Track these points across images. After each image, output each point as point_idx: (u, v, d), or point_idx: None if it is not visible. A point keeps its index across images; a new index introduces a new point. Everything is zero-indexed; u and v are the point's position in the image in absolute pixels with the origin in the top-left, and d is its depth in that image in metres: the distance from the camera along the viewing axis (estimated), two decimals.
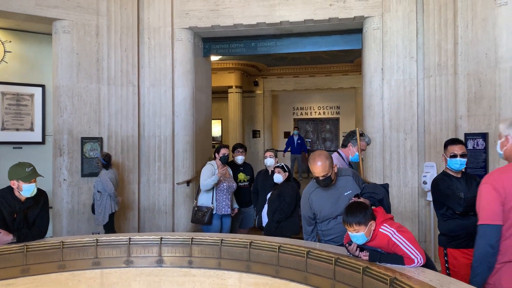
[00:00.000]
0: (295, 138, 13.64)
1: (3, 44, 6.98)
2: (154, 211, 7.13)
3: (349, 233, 2.63)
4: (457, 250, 3.36)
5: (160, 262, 3.20)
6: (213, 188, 5.20)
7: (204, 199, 5.22)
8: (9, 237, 3.17)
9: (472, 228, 2.89)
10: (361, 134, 4.15)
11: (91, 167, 6.76)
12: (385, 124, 6.45)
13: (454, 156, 3.48)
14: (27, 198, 3.27)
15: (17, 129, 7.19)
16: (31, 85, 7.27)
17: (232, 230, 5.58)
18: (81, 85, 6.69)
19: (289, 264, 2.87)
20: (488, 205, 2.42)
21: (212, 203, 5.18)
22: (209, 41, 7.79)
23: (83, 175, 6.72)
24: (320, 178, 3.07)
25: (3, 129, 7.09)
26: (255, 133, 14.79)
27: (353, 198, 3.02)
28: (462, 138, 5.87)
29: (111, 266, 3.15)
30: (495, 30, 5.50)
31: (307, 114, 16.95)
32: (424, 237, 6.28)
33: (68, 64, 6.63)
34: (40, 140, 7.31)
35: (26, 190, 3.20)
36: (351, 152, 4.09)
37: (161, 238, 3.24)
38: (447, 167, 3.57)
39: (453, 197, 3.33)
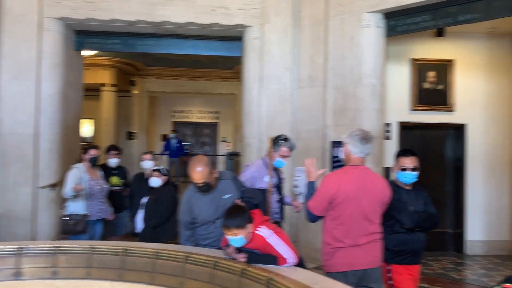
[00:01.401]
0: (174, 141, 13.44)
1: None
2: (11, 218, 6.34)
3: (227, 237, 2.65)
4: (401, 266, 3.20)
5: (18, 275, 2.84)
6: (84, 193, 4.82)
7: (76, 206, 4.79)
8: None
9: (418, 244, 3.24)
10: (285, 139, 4.14)
11: None
12: (262, 131, 6.68)
13: (404, 169, 3.25)
14: None
15: None
16: None
17: (103, 238, 5.24)
18: None
19: (167, 270, 2.78)
20: (318, 197, 2.92)
21: (85, 210, 4.78)
22: (83, 34, 7.25)
23: None
24: (199, 185, 3.07)
25: None
26: (131, 135, 14.18)
27: (236, 201, 3.06)
28: (329, 145, 6.39)
29: None
30: (360, 49, 6.10)
31: (187, 118, 16.83)
32: (294, 238, 6.64)
33: None
34: None
35: None
36: (273, 157, 4.04)
37: (20, 247, 2.88)
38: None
39: (405, 211, 3.15)
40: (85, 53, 10.34)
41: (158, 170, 4.75)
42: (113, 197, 5.34)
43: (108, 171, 5.38)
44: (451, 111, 7.13)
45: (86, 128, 14.77)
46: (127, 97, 14.11)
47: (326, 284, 2.22)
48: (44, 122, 6.54)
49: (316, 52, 6.49)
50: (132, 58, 12.81)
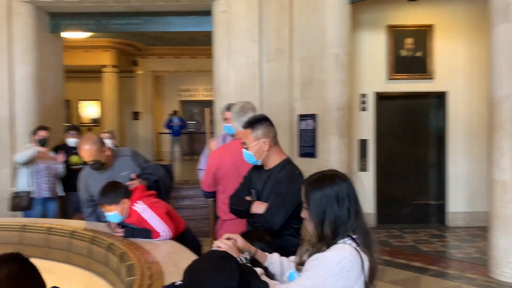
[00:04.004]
0: (175, 120, 13.58)
1: None
2: None
3: (105, 213, 2.68)
4: None
5: None
6: (30, 171, 4.96)
7: (22, 183, 4.96)
8: None
9: None
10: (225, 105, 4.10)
11: None
12: None
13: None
14: None
15: None
16: None
17: (65, 215, 5.40)
18: None
19: (57, 245, 2.86)
20: (205, 173, 3.01)
21: (30, 186, 4.94)
22: (57, 16, 7.33)
23: None
24: (89, 163, 3.10)
25: None
26: (136, 115, 14.38)
27: (131, 176, 3.07)
28: (296, 119, 6.28)
29: None
30: (323, 18, 5.89)
31: (193, 96, 16.88)
32: None
33: None
34: None
35: None
36: None
37: None
38: None
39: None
40: (81, 35, 10.53)
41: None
42: (72, 176, 5.44)
43: (69, 150, 5.48)
44: (431, 79, 6.82)
45: (92, 109, 15.10)
46: (131, 77, 14.26)
47: (175, 256, 2.23)
48: (19, 105, 6.71)
49: (281, 23, 6.32)
50: (130, 38, 12.87)
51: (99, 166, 3.11)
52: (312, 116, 6.04)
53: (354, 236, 1.54)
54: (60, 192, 5.29)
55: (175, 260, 2.18)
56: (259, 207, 2.33)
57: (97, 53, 12.93)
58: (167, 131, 13.89)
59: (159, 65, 14.51)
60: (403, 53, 6.85)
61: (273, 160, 2.39)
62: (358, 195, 1.59)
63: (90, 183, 3.20)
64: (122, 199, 2.62)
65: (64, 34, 8.09)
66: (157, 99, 15.71)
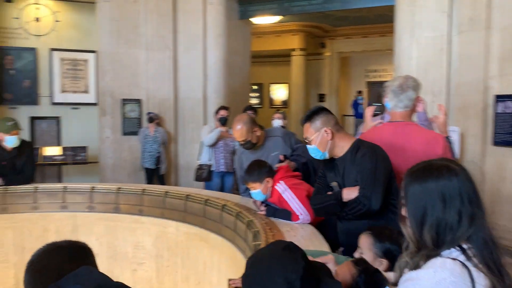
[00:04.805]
0: (360, 102, 13.25)
1: (54, 14, 7.76)
2: (189, 169, 7.58)
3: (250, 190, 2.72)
4: None
5: (117, 209, 3.56)
6: (212, 147, 5.45)
7: (204, 157, 5.50)
8: None
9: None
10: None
11: (131, 126, 7.38)
12: None
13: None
14: (13, 148, 3.82)
15: (74, 91, 8.04)
16: (85, 51, 8.00)
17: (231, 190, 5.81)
18: (121, 50, 7.23)
19: (212, 216, 3.04)
20: None
21: (210, 160, 5.43)
22: (244, 3, 7.83)
23: (124, 134, 7.36)
24: (240, 143, 3.18)
25: (63, 91, 7.98)
26: (321, 97, 14.53)
27: (280, 157, 3.05)
28: (491, 100, 5.34)
29: (76, 210, 3.58)
30: None
31: (381, 77, 16.13)
32: None
33: (109, 31, 7.19)
34: (94, 101, 8.06)
35: (8, 141, 3.75)
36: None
37: (119, 188, 3.58)
38: None
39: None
40: (270, 20, 11.08)
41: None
42: None
43: None
44: None
45: (281, 92, 15.85)
46: (318, 60, 14.43)
47: (306, 242, 2.09)
48: (210, 87, 7.45)
49: None
50: (317, 21, 12.95)
51: (250, 145, 3.19)
52: None
53: (465, 246, 1.14)
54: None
55: (304, 247, 2.05)
56: (350, 193, 2.12)
57: (287, 38, 13.42)
58: (352, 113, 13.66)
59: (346, 45, 14.29)
60: None
61: (343, 147, 2.20)
62: (478, 195, 1.16)
63: (243, 161, 3.31)
64: (265, 178, 2.62)
65: (252, 20, 8.59)
66: (343, 81, 15.55)
